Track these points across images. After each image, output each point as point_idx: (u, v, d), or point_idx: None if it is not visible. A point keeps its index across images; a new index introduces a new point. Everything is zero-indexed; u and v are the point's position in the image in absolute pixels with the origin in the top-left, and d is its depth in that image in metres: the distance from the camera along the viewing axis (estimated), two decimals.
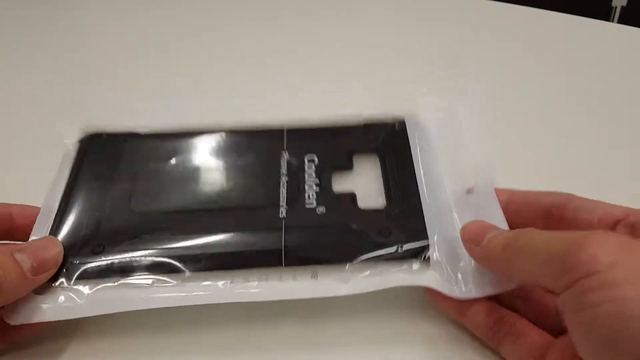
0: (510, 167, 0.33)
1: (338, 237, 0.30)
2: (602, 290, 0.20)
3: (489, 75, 0.48)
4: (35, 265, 0.26)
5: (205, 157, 0.34)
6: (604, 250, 0.21)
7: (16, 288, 0.26)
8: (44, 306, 0.27)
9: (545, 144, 0.40)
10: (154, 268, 0.28)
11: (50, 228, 0.30)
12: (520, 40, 0.52)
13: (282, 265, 0.28)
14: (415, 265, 0.28)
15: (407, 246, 0.28)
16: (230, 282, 0.28)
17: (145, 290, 0.28)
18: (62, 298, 0.27)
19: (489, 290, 0.27)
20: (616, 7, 1.05)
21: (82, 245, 0.29)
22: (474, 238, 0.27)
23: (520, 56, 0.50)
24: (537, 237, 0.24)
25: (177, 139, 0.35)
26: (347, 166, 0.33)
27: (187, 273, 0.28)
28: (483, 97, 0.45)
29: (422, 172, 0.32)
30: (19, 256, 0.26)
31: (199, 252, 0.29)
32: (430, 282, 0.28)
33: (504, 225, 0.28)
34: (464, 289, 0.27)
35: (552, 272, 0.22)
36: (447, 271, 0.28)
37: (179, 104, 0.44)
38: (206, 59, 0.51)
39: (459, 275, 0.28)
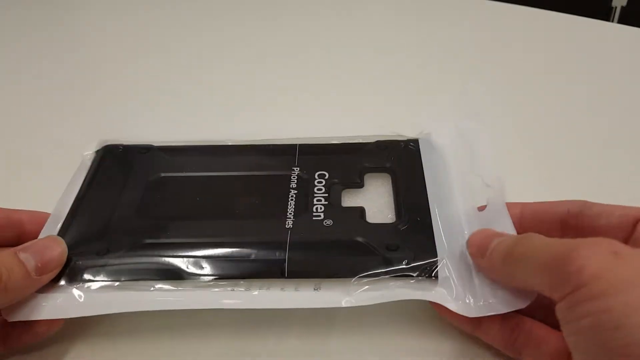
0: (514, 171, 0.32)
1: (344, 250, 0.29)
2: (587, 303, 0.20)
3: (489, 75, 0.48)
4: (39, 265, 0.26)
5: (217, 169, 0.35)
6: (591, 261, 0.21)
7: (21, 288, 0.26)
8: (44, 304, 0.27)
9: (544, 144, 0.40)
10: (157, 273, 0.28)
11: (57, 231, 0.30)
12: (520, 40, 0.52)
13: (285, 277, 0.28)
14: (423, 281, 0.27)
15: (415, 262, 0.28)
16: (232, 290, 0.28)
17: (146, 294, 0.28)
18: (62, 297, 0.27)
19: (500, 309, 0.26)
20: (616, 7, 1.05)
21: (87, 247, 0.29)
22: (478, 250, 0.27)
23: (519, 56, 0.50)
24: (533, 245, 0.24)
25: (191, 152, 0.36)
26: (358, 184, 0.33)
27: (190, 279, 0.28)
28: (484, 101, 0.45)
29: (433, 190, 0.32)
30: (22, 256, 0.26)
31: (202, 259, 0.29)
32: (435, 298, 0.27)
33: None
34: (473, 306, 0.26)
35: (547, 283, 0.22)
36: (456, 288, 0.27)
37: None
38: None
39: (468, 293, 0.27)
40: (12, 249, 0.26)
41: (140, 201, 0.32)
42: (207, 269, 0.28)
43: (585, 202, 0.28)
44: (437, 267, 0.28)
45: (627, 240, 0.26)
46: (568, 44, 0.51)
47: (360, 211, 0.31)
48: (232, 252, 0.29)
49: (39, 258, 0.26)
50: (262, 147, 0.36)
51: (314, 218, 0.31)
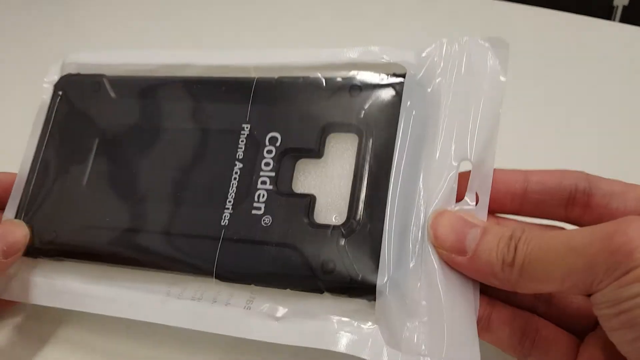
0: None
1: (278, 261, 0.26)
2: (638, 282, 0.19)
3: None
4: (5, 248, 0.29)
5: (164, 118, 0.31)
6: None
7: None
8: (13, 284, 0.30)
9: (542, 144, 0.40)
10: (97, 260, 0.30)
11: (17, 207, 0.32)
12: (520, 39, 0.52)
13: (217, 280, 0.27)
14: (357, 313, 0.25)
15: (351, 290, 0.25)
16: (166, 295, 0.28)
17: (83, 287, 0.29)
18: (25, 279, 0.30)
19: None
20: (617, 7, 1.05)
21: (41, 229, 0.31)
22: (452, 245, 0.23)
23: (519, 55, 0.49)
24: (549, 248, 0.21)
25: (142, 89, 0.32)
26: (317, 151, 0.28)
27: (126, 268, 0.29)
28: None
29: (402, 165, 0.26)
30: None
31: (135, 248, 0.29)
32: (363, 350, 0.24)
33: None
34: (402, 358, 0.23)
35: (588, 281, 0.20)
36: (392, 327, 0.23)
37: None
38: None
39: (405, 333, 0.23)
40: None
41: (85, 169, 0.31)
42: (141, 259, 0.29)
43: (589, 176, 0.26)
44: (374, 297, 0.25)
45: None
46: (568, 43, 0.51)
47: (308, 204, 0.27)
48: (167, 245, 0.28)
49: (3, 242, 0.29)
50: (216, 83, 0.30)
51: (252, 212, 0.27)
